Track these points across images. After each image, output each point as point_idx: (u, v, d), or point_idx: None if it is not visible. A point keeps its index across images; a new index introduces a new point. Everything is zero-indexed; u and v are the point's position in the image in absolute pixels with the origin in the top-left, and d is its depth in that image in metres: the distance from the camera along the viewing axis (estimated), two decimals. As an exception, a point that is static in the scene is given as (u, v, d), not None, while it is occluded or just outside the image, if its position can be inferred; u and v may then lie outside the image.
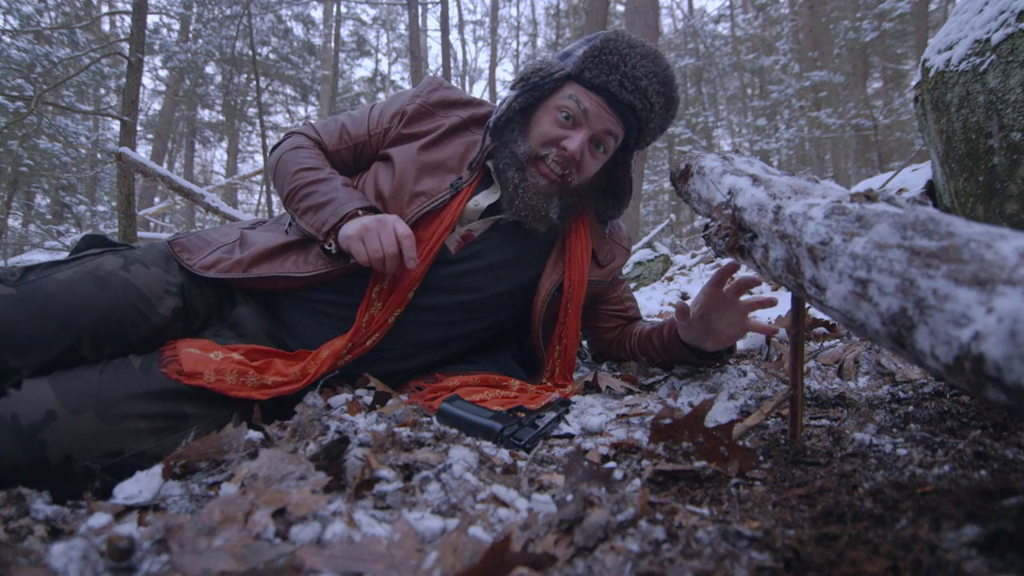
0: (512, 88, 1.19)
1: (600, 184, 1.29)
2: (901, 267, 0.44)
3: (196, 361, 0.94)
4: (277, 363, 1.02)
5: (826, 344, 1.42)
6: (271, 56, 15.99)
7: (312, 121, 1.31)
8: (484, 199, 1.19)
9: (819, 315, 1.63)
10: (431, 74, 1.41)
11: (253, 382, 0.96)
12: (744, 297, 1.10)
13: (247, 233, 1.19)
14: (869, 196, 0.57)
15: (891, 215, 0.50)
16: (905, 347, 0.44)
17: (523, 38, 20.74)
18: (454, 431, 0.83)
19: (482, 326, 1.26)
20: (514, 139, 1.16)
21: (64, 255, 1.16)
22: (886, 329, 0.45)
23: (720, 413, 0.98)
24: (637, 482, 0.66)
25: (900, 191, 3.98)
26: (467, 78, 19.80)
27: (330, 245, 1.09)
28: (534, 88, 1.14)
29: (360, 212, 1.09)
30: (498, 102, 1.20)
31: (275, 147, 1.28)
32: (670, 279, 4.74)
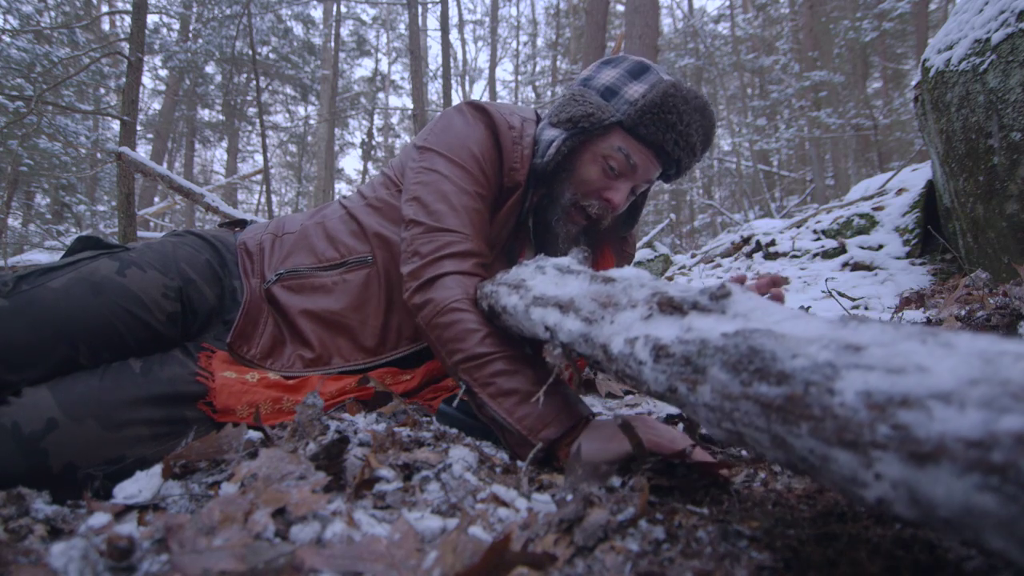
0: (555, 126, 1.12)
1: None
2: (763, 422, 0.37)
3: (229, 395, 0.93)
4: (314, 380, 1.00)
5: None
6: (271, 56, 15.99)
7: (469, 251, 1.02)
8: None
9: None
10: (465, 101, 1.25)
11: (289, 407, 0.95)
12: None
13: (289, 308, 1.06)
14: (673, 305, 0.51)
15: (715, 351, 0.43)
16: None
17: (523, 38, 20.73)
18: (454, 431, 0.83)
19: None
20: (562, 190, 1.12)
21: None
22: (800, 468, 0.38)
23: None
24: (637, 482, 0.66)
25: (900, 191, 3.97)
26: (467, 78, 19.79)
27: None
28: (582, 132, 1.10)
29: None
30: (543, 143, 1.12)
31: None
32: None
